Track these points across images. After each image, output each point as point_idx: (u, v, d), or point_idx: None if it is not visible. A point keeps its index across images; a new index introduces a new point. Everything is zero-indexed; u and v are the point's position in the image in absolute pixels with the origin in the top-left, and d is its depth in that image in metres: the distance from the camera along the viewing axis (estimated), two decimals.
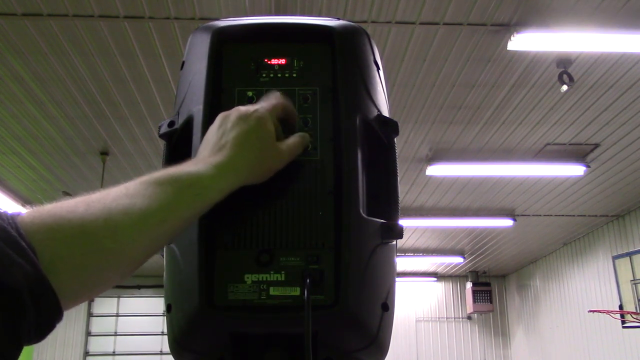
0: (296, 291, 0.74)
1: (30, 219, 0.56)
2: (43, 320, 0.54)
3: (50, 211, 0.57)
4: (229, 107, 0.81)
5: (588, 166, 6.76)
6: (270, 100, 0.78)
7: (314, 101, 0.82)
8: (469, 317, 12.69)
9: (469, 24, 4.41)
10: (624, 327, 7.38)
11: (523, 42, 4.44)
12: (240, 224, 0.77)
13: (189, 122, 0.82)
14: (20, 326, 0.51)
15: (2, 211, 0.55)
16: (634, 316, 6.87)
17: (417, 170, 7.03)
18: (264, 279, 0.75)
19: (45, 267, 0.53)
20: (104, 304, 12.15)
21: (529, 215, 8.66)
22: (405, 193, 7.72)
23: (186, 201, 0.67)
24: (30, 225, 0.55)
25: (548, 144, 6.38)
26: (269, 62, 0.84)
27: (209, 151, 0.73)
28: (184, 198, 0.67)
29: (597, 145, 6.38)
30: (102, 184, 6.66)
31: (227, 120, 0.75)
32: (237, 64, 0.83)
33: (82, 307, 12.08)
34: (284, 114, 0.79)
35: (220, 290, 0.74)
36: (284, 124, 0.79)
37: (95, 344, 11.96)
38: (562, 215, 8.66)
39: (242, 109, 0.76)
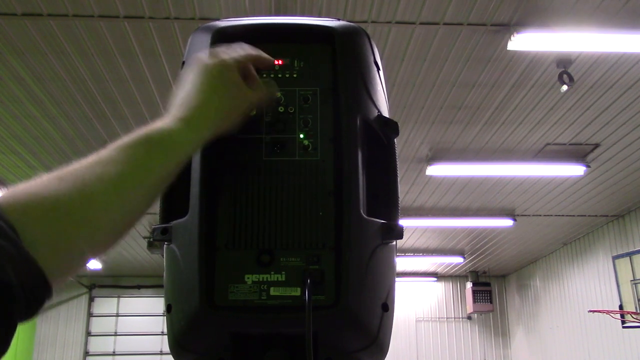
0: (297, 291, 0.74)
1: (6, 200, 0.55)
2: (32, 299, 0.54)
3: (25, 190, 0.57)
4: None
5: (588, 166, 6.76)
6: (236, 50, 0.79)
7: (314, 101, 0.82)
8: (469, 317, 12.68)
9: (469, 24, 4.41)
10: (624, 327, 7.39)
11: (523, 42, 4.44)
12: (240, 225, 0.77)
13: None
14: (10, 307, 0.51)
15: None
16: (634, 316, 6.87)
17: (417, 170, 7.03)
18: (265, 279, 0.75)
19: (27, 245, 0.53)
20: (104, 304, 12.15)
21: (529, 215, 8.66)
22: (405, 193, 7.72)
23: (159, 159, 0.67)
24: (7, 206, 0.54)
25: (548, 144, 6.38)
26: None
27: (178, 106, 0.74)
28: (156, 157, 0.67)
29: (597, 145, 6.38)
30: None
31: (192, 72, 0.76)
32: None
33: (82, 307, 12.09)
34: (252, 63, 0.79)
35: (220, 290, 0.74)
36: (250, 73, 0.79)
37: (95, 344, 11.95)
38: (562, 215, 8.66)
39: (205, 60, 0.77)
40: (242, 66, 0.78)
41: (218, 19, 0.88)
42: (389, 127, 0.84)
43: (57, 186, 0.59)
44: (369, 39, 0.88)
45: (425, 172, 6.98)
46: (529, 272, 11.86)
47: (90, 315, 12.11)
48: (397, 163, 0.85)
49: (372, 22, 4.36)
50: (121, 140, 0.66)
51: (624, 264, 7.11)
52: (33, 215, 0.56)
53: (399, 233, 0.79)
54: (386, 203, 0.82)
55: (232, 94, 0.76)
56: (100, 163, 0.63)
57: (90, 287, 12.13)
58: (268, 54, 0.83)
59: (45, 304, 0.56)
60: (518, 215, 8.62)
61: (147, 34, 4.47)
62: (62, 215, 0.58)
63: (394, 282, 0.82)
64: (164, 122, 0.71)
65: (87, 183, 0.60)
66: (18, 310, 0.52)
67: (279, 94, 0.81)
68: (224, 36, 0.85)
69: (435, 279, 12.75)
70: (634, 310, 6.83)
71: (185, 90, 0.75)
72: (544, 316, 11.18)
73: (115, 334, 11.99)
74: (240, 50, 0.79)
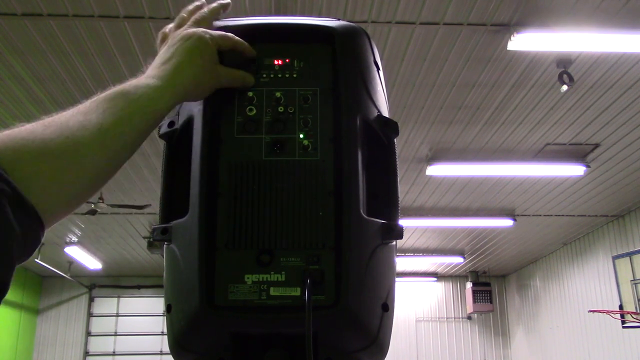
0: (296, 291, 0.74)
1: None
2: (29, 237, 0.55)
3: (10, 135, 0.59)
4: (230, 107, 0.81)
5: (588, 166, 6.76)
6: (218, 32, 0.83)
7: (314, 101, 0.82)
8: (469, 317, 12.69)
9: (469, 24, 4.41)
10: (624, 327, 7.39)
11: (523, 42, 4.44)
12: (240, 225, 0.77)
13: (189, 122, 0.82)
14: (10, 246, 0.52)
15: None
16: (634, 316, 6.87)
17: (417, 170, 7.03)
18: (265, 279, 0.75)
19: (18, 186, 0.55)
20: (104, 304, 12.15)
21: (529, 215, 8.66)
22: (405, 193, 7.72)
23: (139, 113, 0.71)
24: None
25: (548, 144, 6.38)
26: (270, 63, 0.84)
27: (155, 67, 0.78)
28: (136, 111, 0.70)
29: (597, 145, 6.39)
30: None
31: (172, 41, 0.81)
32: (238, 64, 0.83)
33: (82, 307, 12.09)
34: (229, 46, 0.82)
35: (220, 290, 0.74)
36: (231, 56, 0.82)
37: (95, 344, 11.95)
38: (562, 215, 8.66)
39: (187, 30, 0.82)
40: (221, 46, 0.81)
41: (218, 19, 0.88)
42: (389, 127, 0.84)
43: (43, 132, 0.61)
44: (369, 39, 0.88)
45: (425, 172, 6.98)
46: (529, 272, 11.86)
47: (90, 315, 12.11)
48: (397, 163, 0.85)
49: (372, 22, 4.36)
50: (99, 95, 0.69)
51: (624, 264, 7.11)
52: (23, 157, 0.57)
53: (399, 233, 0.79)
54: (386, 203, 0.82)
55: (205, 67, 0.79)
56: (81, 113, 0.66)
57: (90, 287, 12.14)
58: (268, 54, 0.84)
59: (39, 245, 0.58)
60: (518, 215, 8.62)
61: (147, 34, 4.47)
62: (51, 158, 0.60)
63: (394, 282, 0.82)
64: (140, 80, 0.74)
65: (72, 130, 0.63)
66: (17, 249, 0.54)
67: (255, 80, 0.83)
68: None
69: (435, 279, 12.76)
70: (634, 310, 6.83)
71: (165, 55, 0.79)
72: (544, 316, 11.18)
73: (115, 334, 12.00)
74: (223, 34, 0.83)
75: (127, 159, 0.71)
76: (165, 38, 0.85)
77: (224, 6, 0.87)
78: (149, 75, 0.76)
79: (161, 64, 0.78)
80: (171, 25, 0.86)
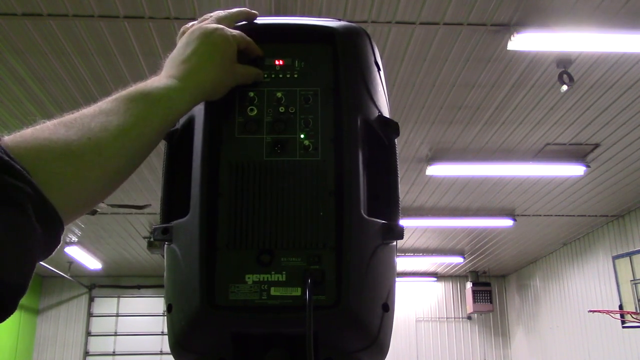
0: (297, 291, 0.74)
1: (15, 143, 0.57)
2: (49, 237, 0.56)
3: (33, 134, 0.59)
4: (231, 107, 0.81)
5: (588, 166, 6.76)
6: (237, 31, 0.82)
7: (315, 102, 0.82)
8: (469, 317, 12.69)
9: (469, 24, 4.41)
10: (624, 327, 7.39)
11: (523, 42, 4.44)
12: (241, 225, 0.77)
13: (189, 122, 0.82)
14: (32, 246, 0.54)
15: None
16: (634, 316, 6.87)
17: (417, 170, 7.03)
18: (265, 279, 0.75)
19: (40, 187, 0.55)
20: (104, 304, 12.15)
21: (529, 215, 8.66)
22: (405, 193, 7.72)
23: (158, 114, 0.71)
24: (17, 150, 0.56)
25: (548, 144, 6.38)
26: (270, 63, 0.84)
27: (174, 66, 0.77)
28: (156, 112, 0.71)
29: (597, 145, 6.39)
30: None
31: (192, 36, 0.79)
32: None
33: (82, 307, 12.09)
34: (244, 45, 0.82)
35: (221, 290, 0.75)
36: (243, 55, 0.82)
37: (95, 344, 11.95)
38: (562, 215, 8.66)
39: (207, 26, 0.80)
40: (239, 45, 0.81)
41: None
42: (389, 128, 0.84)
43: (66, 132, 0.61)
44: (369, 39, 0.88)
45: (425, 172, 6.98)
46: (529, 272, 11.86)
47: (90, 315, 12.11)
48: (398, 163, 0.85)
49: (372, 22, 4.36)
50: (120, 94, 0.69)
51: (624, 264, 7.11)
52: (46, 158, 0.58)
53: (399, 233, 0.79)
54: (387, 203, 0.82)
55: (226, 67, 0.79)
56: (103, 113, 0.66)
57: (90, 287, 12.14)
58: (269, 54, 0.84)
59: (59, 244, 0.59)
60: (518, 215, 8.62)
61: (147, 34, 4.47)
62: (73, 160, 0.60)
63: (394, 282, 0.82)
64: (161, 79, 0.74)
65: (93, 131, 0.63)
66: (38, 250, 0.55)
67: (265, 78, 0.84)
68: None
69: (435, 279, 12.76)
70: (634, 310, 6.83)
71: (184, 52, 0.78)
72: (544, 316, 11.18)
73: (115, 334, 12.00)
74: (242, 33, 0.83)
75: (145, 158, 0.72)
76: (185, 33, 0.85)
77: (249, 15, 0.86)
78: (169, 74, 0.75)
79: (181, 62, 0.77)
80: (194, 22, 0.85)
